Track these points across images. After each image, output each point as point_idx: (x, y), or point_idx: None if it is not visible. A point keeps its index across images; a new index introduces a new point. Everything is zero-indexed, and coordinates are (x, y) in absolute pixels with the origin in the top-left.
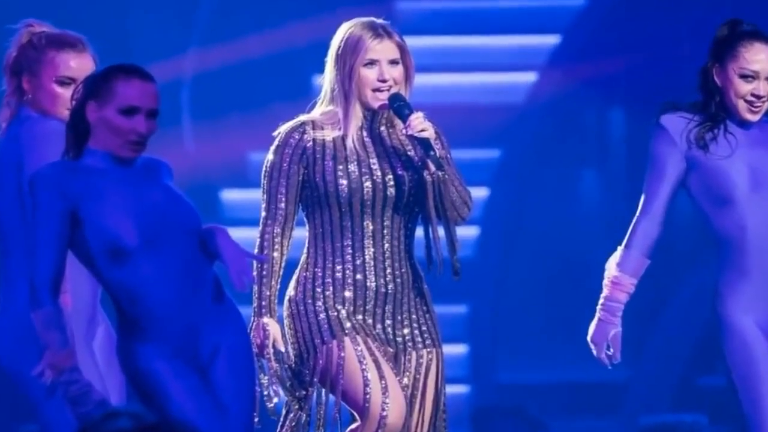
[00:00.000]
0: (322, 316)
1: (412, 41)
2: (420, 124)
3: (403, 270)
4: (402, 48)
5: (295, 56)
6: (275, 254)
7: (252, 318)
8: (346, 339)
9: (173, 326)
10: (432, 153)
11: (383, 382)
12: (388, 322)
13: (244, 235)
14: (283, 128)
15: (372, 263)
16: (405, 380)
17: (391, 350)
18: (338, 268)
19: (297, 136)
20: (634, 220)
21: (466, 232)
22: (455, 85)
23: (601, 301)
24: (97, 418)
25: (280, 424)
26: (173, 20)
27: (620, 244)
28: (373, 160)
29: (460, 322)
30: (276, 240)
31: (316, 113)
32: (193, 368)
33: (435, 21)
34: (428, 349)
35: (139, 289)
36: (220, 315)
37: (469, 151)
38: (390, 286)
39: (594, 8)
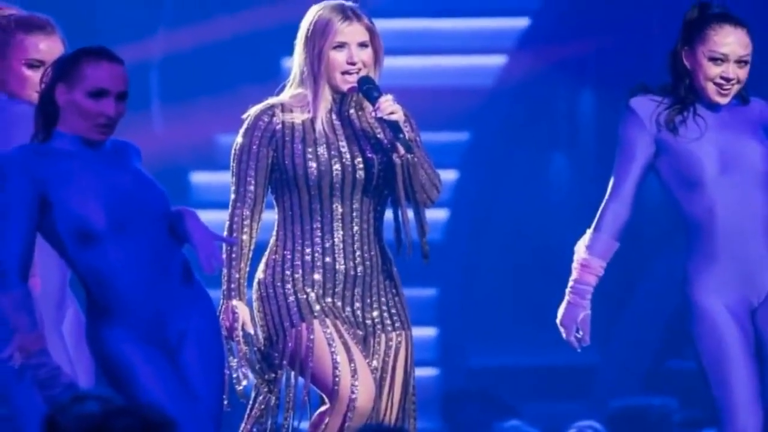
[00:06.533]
0: (291, 298)
1: (382, 24)
2: (389, 106)
3: (372, 253)
4: (371, 31)
5: (264, 38)
6: (244, 237)
7: (221, 301)
8: (315, 322)
9: (142, 310)
10: (401, 135)
11: (352, 364)
12: (358, 304)
13: (213, 218)
14: (253, 111)
15: (341, 246)
16: (374, 363)
17: (361, 333)
18: (307, 251)
19: (266, 119)
20: (603, 203)
21: (436, 215)
22: (425, 68)
23: (570, 283)
24: (65, 402)
25: (249, 406)
26: (141, 1)
27: (589, 227)
28: (342, 143)
29: (429, 305)
30: (245, 223)
31: (285, 96)
32: (162, 352)
33: (404, 4)
34: (397, 332)
35: (108, 273)
36: (188, 298)
37: (438, 133)
38: (359, 269)
39: None
